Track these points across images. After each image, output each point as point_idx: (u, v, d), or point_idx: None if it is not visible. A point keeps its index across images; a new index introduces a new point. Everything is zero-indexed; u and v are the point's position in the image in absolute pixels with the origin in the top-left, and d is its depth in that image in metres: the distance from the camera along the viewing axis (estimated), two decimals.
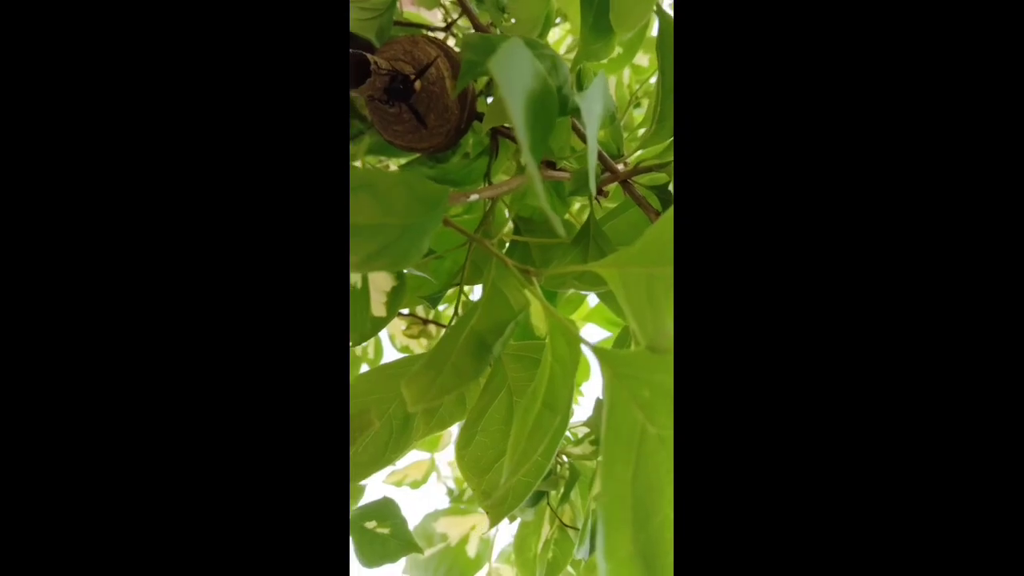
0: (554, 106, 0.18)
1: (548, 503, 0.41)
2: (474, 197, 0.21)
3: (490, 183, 0.43)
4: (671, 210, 0.16)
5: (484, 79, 0.38)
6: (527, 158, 0.14)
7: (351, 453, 0.19)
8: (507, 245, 0.35)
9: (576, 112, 0.23)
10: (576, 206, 0.43)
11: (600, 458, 0.16)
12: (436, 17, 0.58)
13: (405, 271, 0.37)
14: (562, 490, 0.40)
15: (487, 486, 0.24)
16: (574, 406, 0.60)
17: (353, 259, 0.15)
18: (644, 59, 0.52)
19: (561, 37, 0.69)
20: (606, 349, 0.17)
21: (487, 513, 0.22)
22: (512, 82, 0.13)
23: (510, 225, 0.41)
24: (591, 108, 0.19)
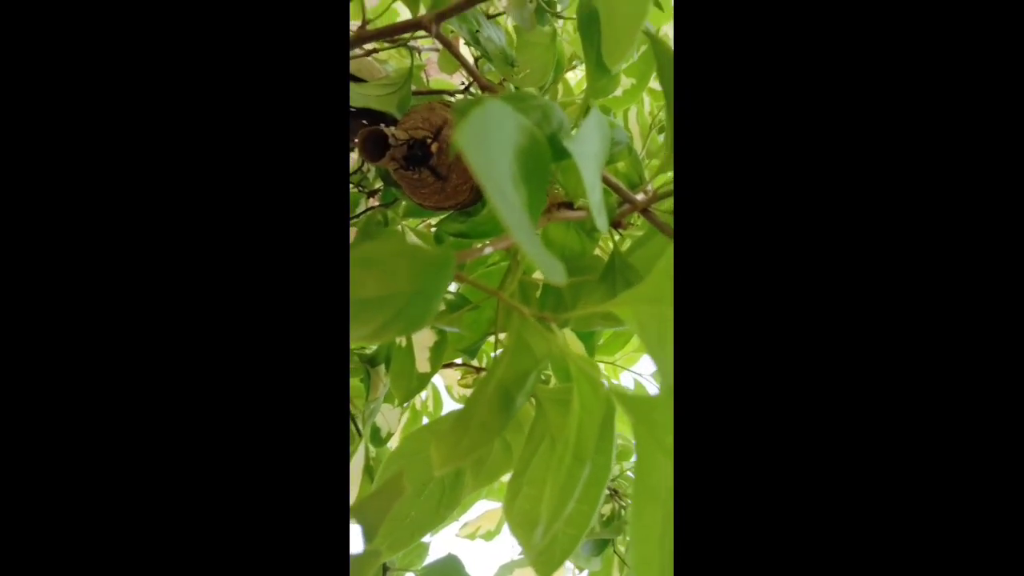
0: (546, 157, 0.18)
1: (615, 551, 0.39)
2: (488, 250, 0.21)
3: None
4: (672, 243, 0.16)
5: None
6: (511, 221, 0.14)
7: (389, 518, 0.19)
8: (539, 288, 0.35)
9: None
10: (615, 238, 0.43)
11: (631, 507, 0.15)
12: (459, 80, 0.61)
13: (447, 328, 0.38)
14: (627, 535, 0.38)
15: (536, 541, 0.24)
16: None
17: (365, 331, 0.16)
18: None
19: (582, 80, 0.70)
20: (627, 394, 0.17)
21: (535, 569, 0.22)
22: (483, 153, 0.14)
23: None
24: (583, 148, 0.19)
